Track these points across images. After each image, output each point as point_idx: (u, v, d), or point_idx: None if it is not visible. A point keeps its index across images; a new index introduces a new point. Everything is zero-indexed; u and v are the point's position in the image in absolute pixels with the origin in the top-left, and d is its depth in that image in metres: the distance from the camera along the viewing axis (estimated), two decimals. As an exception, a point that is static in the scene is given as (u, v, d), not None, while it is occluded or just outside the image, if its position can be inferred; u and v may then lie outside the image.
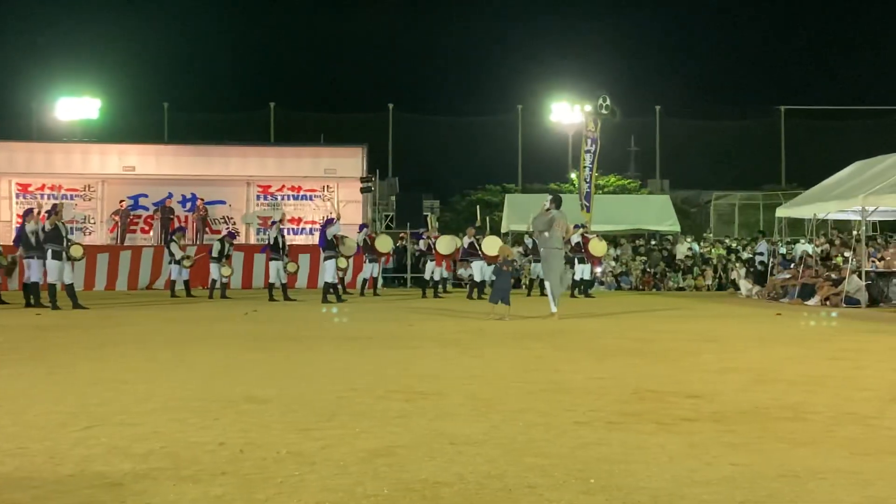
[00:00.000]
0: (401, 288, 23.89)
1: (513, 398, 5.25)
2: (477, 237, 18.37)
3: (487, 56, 75.09)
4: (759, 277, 20.65)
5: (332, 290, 15.91)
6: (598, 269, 21.80)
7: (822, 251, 19.93)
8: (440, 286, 19.21)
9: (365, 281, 19.47)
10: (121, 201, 23.57)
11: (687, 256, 25.69)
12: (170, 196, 23.65)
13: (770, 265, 20.79)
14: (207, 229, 23.57)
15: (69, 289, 14.20)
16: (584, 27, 73.07)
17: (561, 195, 14.27)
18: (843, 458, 3.76)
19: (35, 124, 33.43)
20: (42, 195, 22.73)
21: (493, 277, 13.36)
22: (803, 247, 21.89)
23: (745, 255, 24.99)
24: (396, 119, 35.12)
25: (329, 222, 16.48)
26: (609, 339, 9.27)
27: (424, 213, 26.63)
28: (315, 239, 20.36)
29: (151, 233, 23.94)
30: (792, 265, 19.46)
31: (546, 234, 12.25)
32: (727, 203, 32.89)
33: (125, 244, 22.64)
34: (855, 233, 18.20)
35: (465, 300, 17.24)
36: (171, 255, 18.30)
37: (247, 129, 33.51)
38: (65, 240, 14.23)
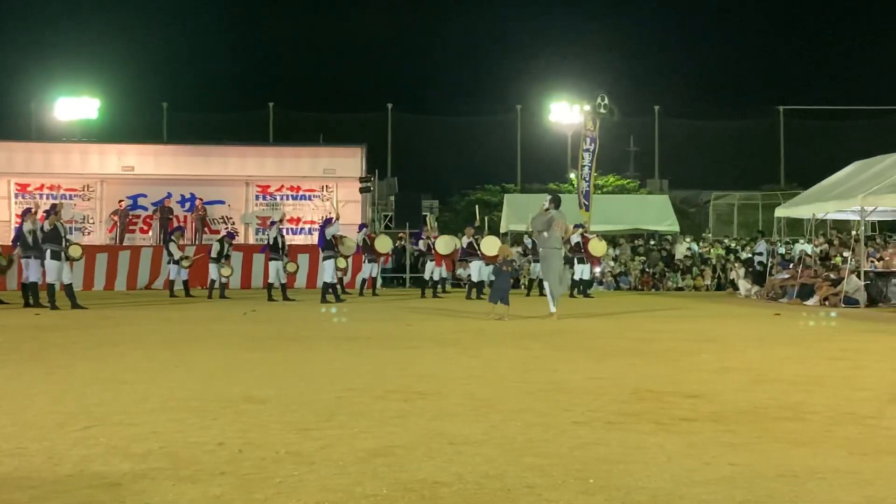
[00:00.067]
0: (400, 288, 23.88)
1: (512, 398, 5.25)
2: (475, 237, 18.37)
3: (487, 56, 75.11)
4: (757, 277, 20.66)
5: (330, 290, 15.90)
6: (597, 270, 21.80)
7: (821, 251, 19.93)
8: (439, 286, 19.21)
9: (364, 281, 19.46)
10: (120, 201, 23.55)
11: (686, 256, 25.69)
12: (169, 196, 23.62)
13: (769, 265, 20.80)
14: (206, 229, 23.55)
15: (68, 289, 14.19)
16: (583, 27, 73.10)
17: (560, 195, 14.27)
18: (841, 458, 3.76)
19: (34, 124, 33.40)
20: (41, 195, 22.72)
21: (493, 277, 13.36)
22: (802, 247, 21.90)
23: (744, 255, 24.99)
24: (395, 119, 35.12)
25: (328, 222, 16.48)
26: (608, 339, 9.27)
27: (423, 213, 26.56)
28: (314, 239, 20.36)
29: (150, 233, 23.92)
30: (791, 265, 19.46)
31: (545, 234, 12.25)
32: (726, 203, 32.88)
33: (124, 244, 22.62)
34: (854, 233, 18.22)
35: (464, 300, 17.25)
36: (170, 255, 18.29)
37: (246, 129, 33.48)
38: (63, 240, 14.22)
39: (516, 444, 3.99)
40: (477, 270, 18.05)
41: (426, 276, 19.21)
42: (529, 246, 19.31)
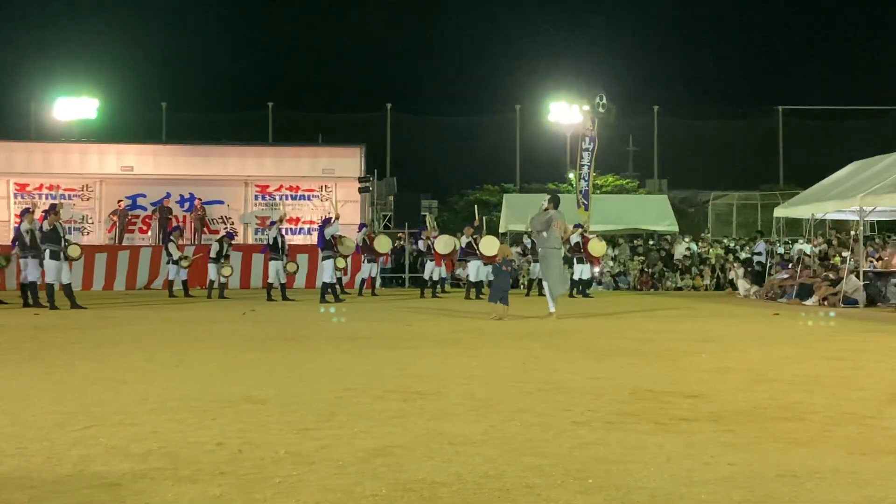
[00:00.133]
0: (399, 288, 23.89)
1: (511, 398, 5.26)
2: (474, 237, 18.38)
3: (486, 56, 74.96)
4: (757, 277, 20.67)
5: (330, 290, 15.90)
6: (596, 270, 21.80)
7: (820, 251, 19.95)
8: (439, 286, 19.22)
9: (363, 281, 19.46)
10: (119, 201, 23.54)
11: (685, 256, 25.69)
12: (168, 196, 23.61)
13: (768, 265, 20.81)
14: (205, 229, 23.55)
15: (67, 289, 14.18)
16: (583, 27, 73.07)
17: (559, 195, 14.27)
18: (840, 458, 3.77)
19: (33, 124, 33.35)
20: (40, 195, 22.70)
21: (492, 277, 13.36)
22: (801, 247, 21.91)
23: (743, 255, 24.99)
24: (395, 119, 35.08)
25: (327, 222, 16.48)
26: (607, 339, 9.28)
27: (423, 213, 26.57)
28: (313, 239, 20.35)
29: (149, 233, 23.92)
30: (790, 265, 19.47)
31: (544, 233, 12.25)
32: (725, 203, 32.86)
33: (123, 244, 22.61)
34: (853, 233, 18.22)
35: (463, 300, 17.25)
36: (169, 255, 18.30)
37: (245, 129, 33.43)
38: (63, 240, 14.22)
39: (515, 443, 3.99)
40: (475, 270, 18.05)
41: (425, 276, 19.21)
42: (529, 246, 19.31)
